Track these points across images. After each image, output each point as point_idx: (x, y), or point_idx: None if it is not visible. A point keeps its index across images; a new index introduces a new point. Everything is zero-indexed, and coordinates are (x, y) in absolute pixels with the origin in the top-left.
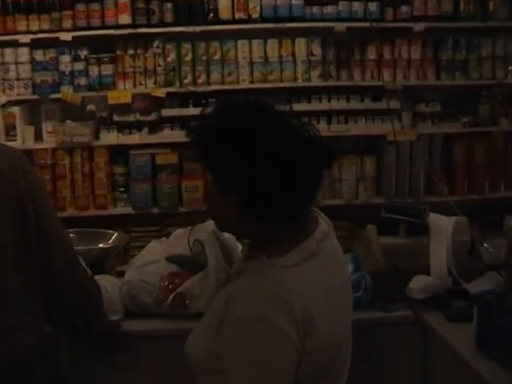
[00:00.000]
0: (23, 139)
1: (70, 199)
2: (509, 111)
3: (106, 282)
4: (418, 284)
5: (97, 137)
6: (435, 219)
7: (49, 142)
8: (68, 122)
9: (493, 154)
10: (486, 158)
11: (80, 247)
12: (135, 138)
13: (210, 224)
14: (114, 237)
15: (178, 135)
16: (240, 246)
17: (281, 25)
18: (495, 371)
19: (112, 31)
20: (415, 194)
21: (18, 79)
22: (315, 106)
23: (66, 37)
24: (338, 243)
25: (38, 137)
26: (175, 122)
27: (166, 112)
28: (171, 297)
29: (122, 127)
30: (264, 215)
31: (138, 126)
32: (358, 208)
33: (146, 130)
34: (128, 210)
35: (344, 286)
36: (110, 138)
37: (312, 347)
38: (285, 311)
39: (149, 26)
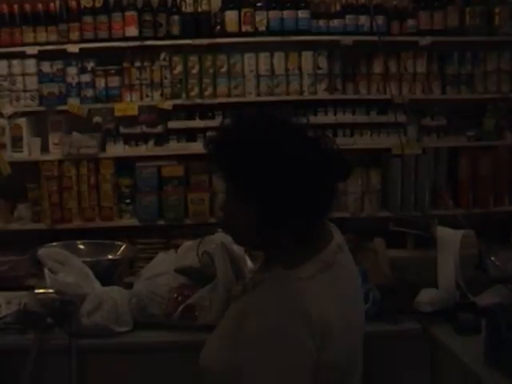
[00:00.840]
0: (30, 151)
1: (76, 211)
2: None
3: (115, 293)
4: (425, 297)
5: (103, 149)
6: (443, 232)
7: (55, 153)
8: (74, 133)
9: (498, 168)
10: (491, 172)
11: (89, 259)
12: (141, 150)
13: (218, 236)
14: (122, 248)
15: (184, 147)
16: (248, 259)
17: (287, 38)
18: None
19: (119, 43)
20: (420, 207)
21: (24, 91)
22: (321, 119)
23: (73, 49)
24: (351, 256)
25: (45, 148)
26: (181, 134)
27: (172, 124)
28: (180, 309)
29: (128, 139)
30: (282, 225)
31: (144, 138)
32: (364, 221)
33: (152, 142)
34: (134, 221)
35: (358, 298)
36: (117, 149)
37: (328, 357)
38: (302, 322)
39: (156, 38)
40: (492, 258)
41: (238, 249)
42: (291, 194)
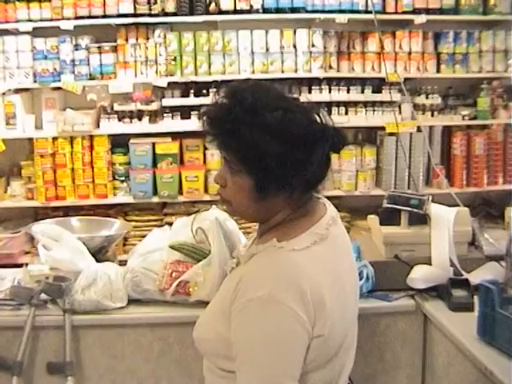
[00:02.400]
0: (23, 128)
1: (70, 188)
2: (508, 104)
3: (109, 269)
4: (419, 274)
5: (97, 126)
6: (437, 209)
7: (49, 130)
8: (68, 110)
9: (492, 147)
10: (485, 151)
11: (83, 235)
12: (136, 127)
13: (213, 212)
14: (116, 225)
15: (178, 124)
16: (242, 235)
17: (282, 15)
18: (496, 359)
19: (113, 20)
20: (414, 185)
21: (18, 68)
22: (316, 96)
23: (67, 25)
24: (345, 230)
25: (39, 125)
26: (176, 111)
27: (166, 101)
28: (174, 284)
29: (122, 116)
30: (274, 194)
31: (138, 116)
32: (357, 199)
33: (146, 119)
34: (128, 199)
35: (351, 271)
36: (111, 127)
37: (321, 330)
38: (295, 293)
39: (150, 15)
40: (486, 236)
41: (231, 225)
42: (282, 159)
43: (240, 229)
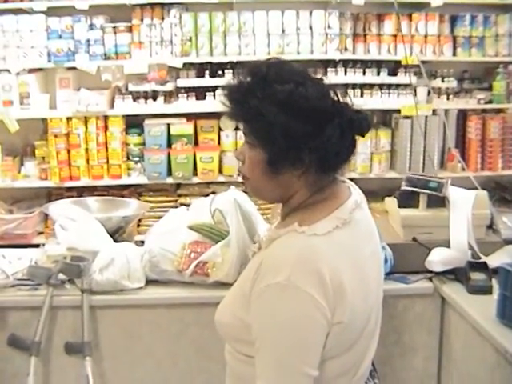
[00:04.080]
0: (37, 108)
1: (84, 168)
2: None
3: (127, 249)
4: (437, 256)
5: (112, 106)
6: (456, 192)
7: (63, 110)
8: (83, 90)
9: (507, 131)
10: (500, 135)
11: (100, 215)
12: (150, 107)
13: (231, 193)
14: (133, 205)
15: (193, 105)
16: (261, 217)
17: None
18: None
19: (129, 0)
20: (429, 168)
21: (32, 47)
22: (331, 78)
23: (82, 5)
24: (370, 214)
25: (53, 105)
26: (191, 92)
27: (181, 82)
28: (193, 265)
29: (137, 97)
30: (288, 170)
31: (153, 96)
32: (372, 182)
33: (161, 99)
34: (142, 179)
35: (375, 256)
36: (125, 107)
37: (341, 317)
38: (314, 279)
39: None
40: (504, 219)
41: (250, 206)
42: (291, 135)
43: (258, 210)
